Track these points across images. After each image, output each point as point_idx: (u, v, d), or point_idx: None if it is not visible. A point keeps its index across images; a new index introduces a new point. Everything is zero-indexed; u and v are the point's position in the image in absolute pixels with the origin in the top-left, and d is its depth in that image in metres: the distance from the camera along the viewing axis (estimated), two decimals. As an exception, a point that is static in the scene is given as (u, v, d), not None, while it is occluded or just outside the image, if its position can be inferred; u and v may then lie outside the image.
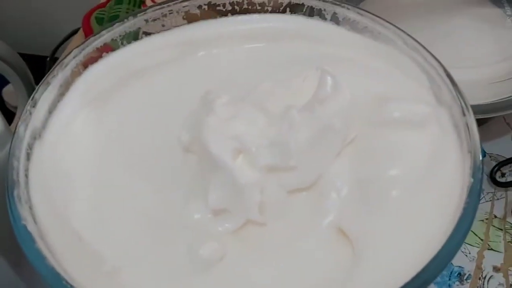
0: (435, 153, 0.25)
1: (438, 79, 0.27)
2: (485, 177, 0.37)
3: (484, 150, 0.39)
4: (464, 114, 0.25)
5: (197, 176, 0.25)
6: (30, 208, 0.23)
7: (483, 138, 0.38)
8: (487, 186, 0.37)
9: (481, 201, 0.36)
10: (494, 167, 0.37)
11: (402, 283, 0.19)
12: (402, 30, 0.29)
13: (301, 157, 0.25)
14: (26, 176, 0.24)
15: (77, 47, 0.29)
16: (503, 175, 0.37)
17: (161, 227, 0.25)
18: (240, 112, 0.26)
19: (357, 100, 0.27)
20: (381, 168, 0.25)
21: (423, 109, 0.26)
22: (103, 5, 0.51)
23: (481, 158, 0.23)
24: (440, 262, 0.20)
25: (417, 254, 0.21)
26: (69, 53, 0.29)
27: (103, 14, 0.50)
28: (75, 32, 0.54)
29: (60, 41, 0.56)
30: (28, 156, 0.25)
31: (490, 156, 0.38)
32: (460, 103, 0.26)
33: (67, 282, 0.20)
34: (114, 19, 0.46)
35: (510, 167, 0.36)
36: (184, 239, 0.24)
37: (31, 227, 0.21)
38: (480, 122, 0.39)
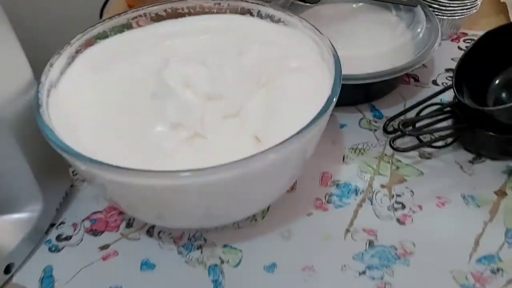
0: (314, 84, 0.38)
1: (322, 46, 0.41)
2: (380, 128, 0.50)
3: (381, 112, 0.52)
4: (336, 65, 0.38)
5: (160, 107, 0.38)
6: (51, 121, 0.35)
7: (384, 106, 0.52)
8: (381, 135, 0.50)
9: (375, 145, 0.49)
10: (386, 121, 0.50)
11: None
12: (302, 18, 0.44)
13: (229, 90, 0.38)
14: (47, 104, 0.37)
15: (80, 33, 0.42)
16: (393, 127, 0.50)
17: (136, 138, 0.37)
18: (188, 64, 0.39)
19: (268, 58, 0.41)
20: (282, 94, 0.38)
21: (309, 62, 0.40)
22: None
23: (338, 87, 0.36)
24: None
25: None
26: (74, 36, 0.42)
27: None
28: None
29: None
30: (48, 94, 0.37)
31: (386, 117, 0.51)
32: (334, 59, 0.39)
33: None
34: None
35: (395, 121, 0.49)
36: (152, 142, 0.36)
37: (48, 122, 0.34)
38: (383, 93, 0.54)
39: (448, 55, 0.59)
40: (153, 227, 0.42)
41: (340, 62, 0.38)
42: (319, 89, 0.38)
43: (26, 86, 0.37)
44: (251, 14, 0.47)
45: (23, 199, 0.40)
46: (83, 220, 0.43)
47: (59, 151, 0.33)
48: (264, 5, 0.46)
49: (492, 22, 0.64)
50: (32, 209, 0.40)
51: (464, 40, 0.62)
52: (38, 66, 0.40)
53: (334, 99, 0.35)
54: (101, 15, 0.74)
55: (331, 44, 0.41)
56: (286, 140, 0.32)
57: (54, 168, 0.42)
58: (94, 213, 0.43)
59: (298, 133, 0.32)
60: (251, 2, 0.46)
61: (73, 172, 0.46)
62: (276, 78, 0.40)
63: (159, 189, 0.32)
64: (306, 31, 0.43)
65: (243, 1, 0.47)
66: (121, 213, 0.43)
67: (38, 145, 0.37)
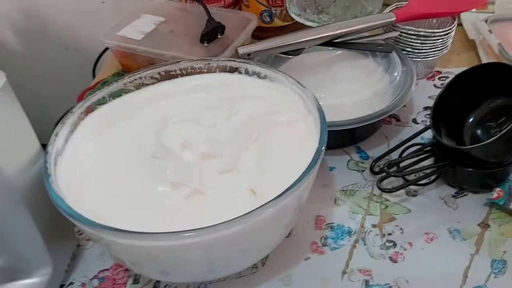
0: (303, 136, 0.41)
1: (307, 99, 0.44)
2: (367, 169, 0.53)
3: (367, 153, 0.55)
4: (321, 118, 0.41)
5: (160, 167, 0.41)
6: (59, 188, 0.38)
7: (369, 147, 0.55)
8: (368, 175, 0.53)
9: (364, 185, 0.52)
10: (372, 162, 0.53)
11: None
12: (286, 74, 0.47)
13: (223, 148, 0.41)
14: (54, 172, 0.39)
15: (81, 101, 0.45)
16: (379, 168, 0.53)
17: (139, 198, 0.39)
18: (184, 125, 0.42)
19: (256, 115, 0.44)
20: (273, 148, 0.41)
21: (296, 116, 0.43)
22: (92, 87, 0.69)
23: (325, 137, 0.39)
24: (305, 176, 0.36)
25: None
26: (77, 104, 0.45)
27: (93, 93, 0.67)
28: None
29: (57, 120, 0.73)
30: (55, 162, 0.40)
31: (372, 157, 0.54)
32: (319, 112, 0.42)
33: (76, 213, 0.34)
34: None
35: (380, 161, 0.52)
36: (155, 201, 0.39)
37: (57, 190, 0.36)
38: (367, 135, 0.57)
39: (425, 93, 0.63)
40: (159, 282, 0.44)
41: (324, 114, 0.42)
42: (307, 140, 0.41)
43: (34, 157, 0.39)
44: (239, 72, 0.50)
45: (34, 265, 0.42)
46: (91, 279, 0.45)
47: (68, 218, 0.35)
48: (250, 63, 0.50)
49: (463, 59, 0.69)
50: (42, 274, 0.42)
51: (439, 78, 0.66)
52: (41, 129, 0.43)
53: (322, 150, 0.38)
54: (93, 74, 0.77)
55: (315, 97, 0.44)
56: (282, 194, 0.35)
57: (61, 230, 0.44)
58: (102, 271, 0.45)
59: (292, 186, 0.35)
60: (238, 61, 0.50)
61: (78, 231, 0.48)
62: (267, 133, 0.43)
63: (163, 249, 0.35)
64: (291, 85, 0.46)
65: (230, 61, 0.50)
66: (127, 270, 0.45)
67: (46, 210, 0.39)
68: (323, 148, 0.38)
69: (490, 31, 0.66)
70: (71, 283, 0.44)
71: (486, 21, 0.69)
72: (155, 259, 0.37)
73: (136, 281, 0.44)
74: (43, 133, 0.44)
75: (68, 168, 0.41)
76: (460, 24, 0.74)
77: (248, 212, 0.34)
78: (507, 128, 0.43)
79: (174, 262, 0.37)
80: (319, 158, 0.37)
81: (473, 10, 0.75)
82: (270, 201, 0.34)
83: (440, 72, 0.67)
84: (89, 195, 0.40)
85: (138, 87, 0.49)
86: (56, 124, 0.43)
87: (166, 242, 0.34)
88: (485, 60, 0.66)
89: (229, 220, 0.33)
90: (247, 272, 0.44)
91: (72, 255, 0.46)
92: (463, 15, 0.74)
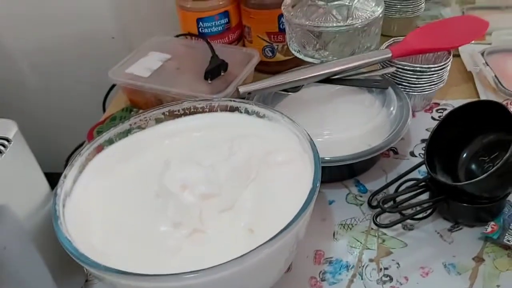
0: (298, 174, 0.43)
1: (302, 138, 0.46)
2: (365, 203, 0.54)
3: (365, 187, 0.57)
4: (314, 157, 0.43)
5: (162, 207, 0.43)
6: (67, 230, 0.40)
7: (367, 180, 0.57)
8: (366, 209, 0.54)
9: (362, 219, 0.53)
10: (370, 196, 0.54)
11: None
12: (283, 113, 0.49)
13: (222, 188, 0.43)
14: (63, 215, 0.41)
15: (90, 136, 0.48)
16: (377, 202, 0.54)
17: (143, 237, 0.41)
18: (185, 166, 0.44)
19: (255, 154, 0.46)
20: (270, 187, 0.43)
21: (292, 154, 0.45)
22: (101, 122, 0.72)
23: (318, 176, 0.41)
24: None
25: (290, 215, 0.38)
26: (84, 145, 0.48)
27: (102, 128, 0.70)
28: (81, 145, 0.74)
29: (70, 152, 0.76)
30: (64, 204, 0.42)
31: (370, 191, 0.56)
32: (313, 150, 0.44)
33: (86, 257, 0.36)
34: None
35: (378, 195, 0.54)
36: (158, 241, 0.41)
37: (67, 236, 0.38)
38: (365, 168, 0.59)
39: (423, 126, 0.64)
40: (162, 316, 0.46)
41: (318, 154, 0.43)
42: (303, 179, 0.42)
43: (44, 199, 0.42)
44: (239, 111, 0.52)
45: (43, 300, 0.44)
46: (98, 314, 0.47)
47: (75, 260, 0.37)
48: (249, 103, 0.52)
49: (461, 91, 0.70)
50: (52, 309, 0.44)
51: (437, 110, 0.67)
52: (52, 156, 0.45)
53: (317, 189, 0.40)
54: (104, 108, 0.80)
55: (309, 137, 0.46)
56: (277, 234, 0.36)
57: (69, 267, 0.46)
58: (108, 305, 0.47)
59: (287, 226, 0.37)
60: (238, 101, 0.52)
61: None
62: (264, 172, 0.45)
63: (165, 289, 0.37)
64: (287, 125, 0.48)
65: (231, 101, 0.52)
66: (132, 304, 0.47)
67: (55, 249, 0.41)
68: (317, 186, 0.40)
69: (486, 64, 0.68)
70: (79, 318, 0.46)
71: (482, 54, 0.70)
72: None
73: (141, 316, 0.46)
74: (54, 160, 0.46)
75: (76, 208, 0.43)
76: (458, 55, 0.76)
77: (245, 254, 0.35)
78: (498, 165, 0.44)
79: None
80: (313, 198, 0.39)
81: (471, 42, 0.77)
82: (266, 242, 0.36)
83: (438, 104, 0.68)
84: (95, 234, 0.42)
85: (143, 127, 0.52)
86: (65, 166, 0.46)
87: (168, 283, 0.35)
88: (481, 91, 0.68)
89: (227, 262, 0.35)
90: (247, 308, 0.45)
91: (80, 290, 0.48)
92: (461, 47, 0.76)
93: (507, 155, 0.44)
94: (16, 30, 1.04)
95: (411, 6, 0.81)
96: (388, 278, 0.47)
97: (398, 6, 0.81)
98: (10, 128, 0.38)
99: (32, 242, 0.40)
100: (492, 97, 0.66)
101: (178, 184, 0.42)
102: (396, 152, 0.61)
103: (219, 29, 0.78)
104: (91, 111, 0.85)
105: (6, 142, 0.36)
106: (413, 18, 0.83)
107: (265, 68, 0.79)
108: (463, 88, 0.71)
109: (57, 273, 0.43)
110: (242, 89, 0.57)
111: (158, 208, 0.43)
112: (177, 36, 0.80)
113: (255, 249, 0.36)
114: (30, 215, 0.40)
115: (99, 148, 0.49)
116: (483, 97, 0.67)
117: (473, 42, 0.77)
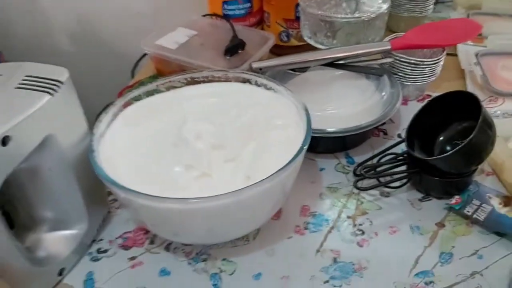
0: (294, 137, 0.52)
1: (299, 109, 0.55)
2: (351, 172, 0.63)
3: (353, 159, 0.65)
4: (307, 125, 0.52)
5: (178, 153, 0.52)
6: (100, 161, 0.49)
7: (356, 154, 0.65)
8: (351, 177, 0.62)
9: (346, 185, 0.61)
10: (355, 166, 0.62)
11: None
12: (286, 87, 0.58)
13: (228, 142, 0.52)
14: (97, 150, 0.51)
15: (121, 96, 0.57)
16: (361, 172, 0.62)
17: (160, 175, 0.51)
18: (199, 123, 0.53)
19: (259, 117, 0.55)
20: (268, 146, 0.52)
21: (290, 121, 0.54)
22: (130, 86, 0.81)
23: (308, 140, 0.49)
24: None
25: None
26: (117, 98, 0.57)
27: (131, 91, 0.79)
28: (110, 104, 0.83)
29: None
30: (98, 142, 0.52)
31: (357, 163, 0.64)
32: (307, 119, 0.52)
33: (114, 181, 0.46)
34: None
35: (364, 167, 0.62)
36: (171, 178, 0.50)
37: (99, 163, 0.48)
38: (356, 144, 0.67)
39: (412, 113, 0.71)
40: (170, 244, 0.55)
41: (310, 122, 0.52)
42: (296, 141, 0.51)
43: (83, 136, 0.51)
44: (250, 83, 0.61)
45: (74, 220, 0.54)
46: (116, 238, 0.56)
47: (106, 184, 0.47)
48: (260, 76, 0.61)
49: (452, 86, 0.78)
50: (80, 228, 0.54)
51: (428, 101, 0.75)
52: (86, 116, 0.54)
53: (304, 149, 0.48)
54: (132, 75, 0.89)
55: (306, 108, 0.54)
56: (266, 178, 0.45)
57: (97, 197, 0.55)
58: (125, 233, 0.57)
59: (275, 173, 0.46)
60: (250, 74, 0.61)
61: (110, 200, 0.60)
62: (265, 133, 0.54)
63: (174, 211, 0.46)
64: (289, 97, 0.57)
65: (244, 73, 0.61)
66: (146, 233, 0.56)
67: (89, 179, 0.51)
68: (304, 147, 0.49)
69: (477, 63, 0.75)
70: (101, 239, 0.56)
71: (476, 55, 0.78)
72: (168, 220, 0.48)
73: (152, 242, 0.55)
74: (87, 119, 0.56)
75: (107, 147, 0.53)
76: (456, 55, 0.83)
77: (241, 188, 0.44)
78: (463, 143, 0.52)
79: (182, 224, 0.48)
80: (300, 155, 0.48)
81: (470, 43, 0.84)
82: (258, 181, 0.45)
83: (430, 96, 0.76)
84: (122, 169, 0.51)
85: (168, 88, 0.61)
86: (100, 113, 0.55)
87: (177, 205, 0.45)
88: (470, 88, 0.75)
89: (226, 193, 0.44)
90: (240, 243, 0.54)
91: (103, 218, 0.57)
92: (460, 46, 0.83)
93: (471, 136, 0.52)
94: (60, 2, 1.15)
95: (420, 6, 0.88)
96: (361, 232, 0.55)
97: (407, 5, 0.88)
98: (63, 74, 0.47)
99: (71, 169, 0.49)
100: (478, 93, 0.73)
101: (193, 134, 0.52)
102: (385, 133, 0.69)
103: (242, 13, 0.86)
104: (121, 79, 0.94)
105: (59, 84, 0.46)
106: (421, 18, 0.90)
107: (280, 51, 0.87)
108: (455, 83, 0.78)
109: (87, 200, 0.53)
110: (255, 65, 0.66)
111: (174, 153, 0.52)
112: (204, 15, 0.89)
113: (248, 186, 0.45)
114: (71, 146, 0.49)
115: (129, 102, 0.58)
116: (471, 92, 0.74)
117: (471, 44, 0.84)
